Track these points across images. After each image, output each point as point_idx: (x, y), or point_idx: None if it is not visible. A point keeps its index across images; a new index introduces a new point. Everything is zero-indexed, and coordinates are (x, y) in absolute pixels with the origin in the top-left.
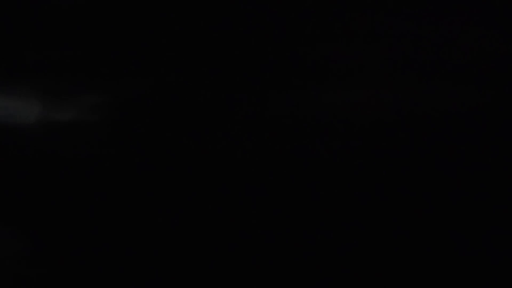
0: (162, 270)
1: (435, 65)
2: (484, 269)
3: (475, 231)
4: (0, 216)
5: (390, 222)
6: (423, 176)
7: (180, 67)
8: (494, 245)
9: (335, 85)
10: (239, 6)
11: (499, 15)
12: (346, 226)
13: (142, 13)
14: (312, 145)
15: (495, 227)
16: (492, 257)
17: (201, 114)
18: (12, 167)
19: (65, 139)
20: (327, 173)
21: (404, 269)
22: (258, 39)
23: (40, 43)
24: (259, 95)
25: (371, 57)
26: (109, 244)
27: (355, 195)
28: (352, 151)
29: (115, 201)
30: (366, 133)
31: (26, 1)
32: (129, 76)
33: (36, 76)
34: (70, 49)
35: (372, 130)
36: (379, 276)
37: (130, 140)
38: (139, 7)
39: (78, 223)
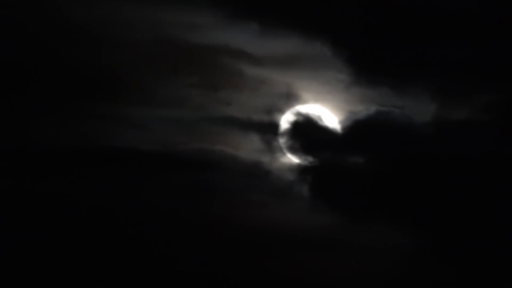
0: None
1: None
2: None
3: None
4: (392, 216)
5: None
6: None
7: None
8: None
9: None
10: None
11: None
12: None
13: None
14: None
15: None
16: None
17: None
18: (407, 165)
19: (458, 137)
20: None
21: None
22: None
23: (435, 44)
24: None
25: None
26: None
27: None
28: None
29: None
30: None
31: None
32: None
33: (430, 76)
34: (463, 49)
35: None
36: None
37: None
38: None
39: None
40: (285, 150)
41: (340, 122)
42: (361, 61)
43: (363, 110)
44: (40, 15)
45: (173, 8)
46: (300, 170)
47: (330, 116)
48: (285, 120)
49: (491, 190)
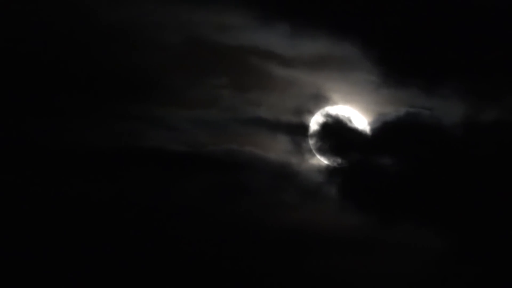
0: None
1: None
2: None
3: None
4: (421, 217)
5: None
6: None
7: None
8: None
9: None
10: None
11: None
12: None
13: None
14: None
15: None
16: None
17: None
18: (436, 166)
19: (488, 139)
20: None
21: None
22: None
23: (464, 45)
24: None
25: None
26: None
27: None
28: None
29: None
30: None
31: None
32: None
33: (460, 78)
34: (493, 51)
35: None
36: None
37: None
38: None
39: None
40: (314, 152)
41: (370, 123)
42: (390, 62)
43: (393, 111)
44: (74, 17)
45: (204, 10)
46: (329, 171)
47: (359, 118)
48: (315, 122)
49: None
